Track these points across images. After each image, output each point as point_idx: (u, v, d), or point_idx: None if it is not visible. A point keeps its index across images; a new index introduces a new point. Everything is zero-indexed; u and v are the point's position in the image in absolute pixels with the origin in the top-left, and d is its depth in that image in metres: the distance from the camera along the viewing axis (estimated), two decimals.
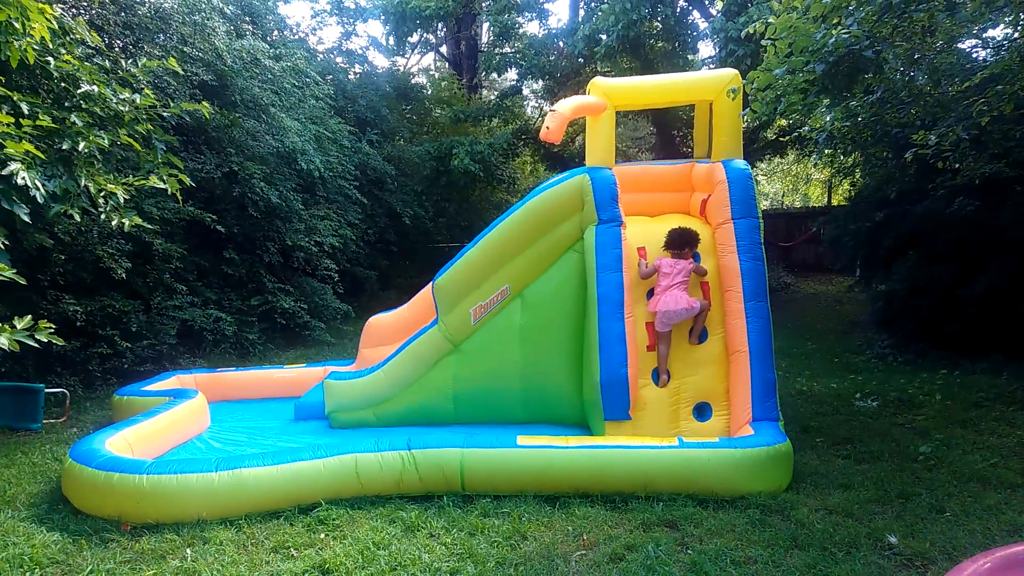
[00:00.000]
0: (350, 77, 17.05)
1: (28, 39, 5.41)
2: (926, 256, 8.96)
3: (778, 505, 4.45)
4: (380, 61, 20.96)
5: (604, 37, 12.82)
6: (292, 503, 4.51)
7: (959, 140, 5.83)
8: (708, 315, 5.70)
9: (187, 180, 6.21)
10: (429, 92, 20.08)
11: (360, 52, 18.88)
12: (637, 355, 5.53)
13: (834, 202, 19.59)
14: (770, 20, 5.12)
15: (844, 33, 4.59)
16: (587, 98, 6.12)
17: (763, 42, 5.31)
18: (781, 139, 15.43)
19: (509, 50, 17.73)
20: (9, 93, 5.42)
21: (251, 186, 10.41)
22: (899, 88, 6.06)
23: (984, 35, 7.11)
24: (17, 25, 5.30)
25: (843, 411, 6.78)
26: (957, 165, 7.01)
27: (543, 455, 4.71)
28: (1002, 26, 6.97)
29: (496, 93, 20.36)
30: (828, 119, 5.81)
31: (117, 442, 4.94)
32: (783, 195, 28.11)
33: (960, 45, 6.75)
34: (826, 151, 9.28)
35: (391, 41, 19.16)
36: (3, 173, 4.87)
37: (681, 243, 5.78)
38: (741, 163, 6.03)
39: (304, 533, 4.21)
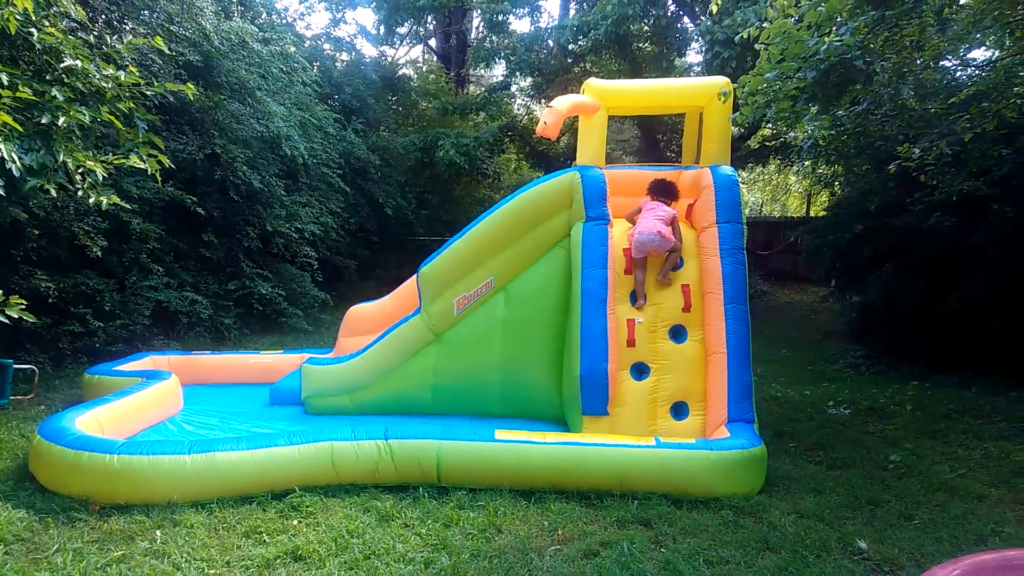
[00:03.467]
0: (337, 65, 16.92)
1: (10, 8, 5.29)
2: (902, 269, 9.09)
3: (751, 507, 4.49)
4: (368, 50, 20.83)
5: (593, 32, 12.85)
6: (265, 489, 4.45)
7: (942, 155, 5.92)
8: (688, 317, 5.72)
9: (167, 161, 6.11)
10: (416, 84, 19.98)
11: (348, 40, 18.75)
12: (618, 351, 5.56)
13: (812, 213, 19.81)
14: (764, 25, 5.16)
15: (836, 41, 4.64)
16: (583, 97, 6.14)
17: (756, 46, 5.36)
18: (767, 144, 15.57)
19: (499, 45, 17.68)
20: None
21: (233, 169, 10.30)
22: (884, 101, 6.15)
23: (967, 55, 7.26)
24: None
25: (816, 418, 6.86)
26: (935, 181, 7.13)
27: (520, 450, 4.69)
28: (984, 47, 7.12)
29: (484, 89, 20.30)
30: (814, 126, 5.87)
31: (87, 421, 4.85)
32: (762, 204, 28.36)
33: (944, 63, 6.87)
34: (808, 160, 9.39)
35: (380, 30, 19.02)
36: None
37: (661, 190, 6.11)
38: (728, 169, 6.06)
39: (277, 519, 4.16)
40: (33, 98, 5.29)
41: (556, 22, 16.64)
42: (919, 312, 8.74)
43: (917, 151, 6.16)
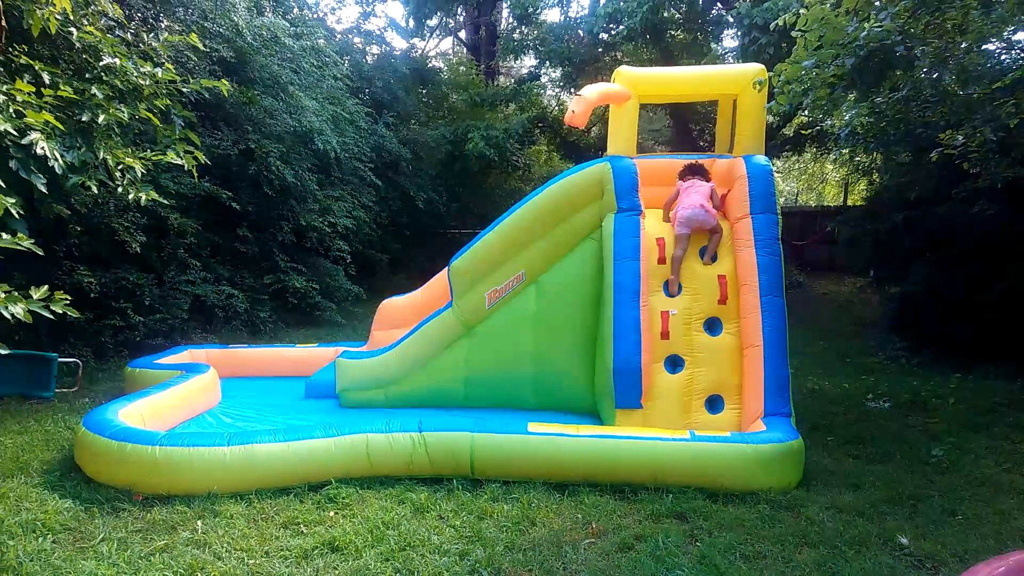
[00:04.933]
0: (368, 58, 17.01)
1: (51, 8, 5.40)
2: (943, 259, 8.87)
3: (788, 502, 4.44)
4: (398, 43, 20.90)
5: (626, 19, 12.71)
6: (302, 480, 4.52)
7: (986, 141, 5.75)
8: (724, 309, 5.65)
9: (202, 157, 6.19)
10: (446, 76, 19.99)
11: (378, 33, 18.82)
12: (651, 343, 5.52)
13: (850, 202, 19.43)
14: (801, 11, 5.05)
15: (876, 27, 4.52)
16: (613, 86, 6.09)
17: (793, 33, 5.25)
18: (803, 132, 15.27)
19: (528, 36, 17.61)
20: (31, 62, 5.42)
21: (267, 164, 10.42)
22: (925, 87, 5.99)
23: (1012, 38, 7.02)
24: None
25: (854, 411, 6.74)
26: (977, 169, 6.94)
27: (554, 442, 4.69)
28: None
29: (513, 80, 20.24)
30: (852, 113, 5.74)
31: (130, 413, 4.96)
32: (798, 194, 27.91)
33: (987, 47, 6.66)
34: (846, 148, 9.21)
35: (410, 23, 19.06)
36: (22, 142, 4.87)
37: (694, 171, 6.13)
38: (762, 159, 5.98)
39: (314, 510, 4.22)
40: (74, 96, 5.40)
41: (587, 11, 16.50)
42: (962, 302, 8.52)
43: (960, 138, 5.98)
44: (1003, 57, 7.01)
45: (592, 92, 5.81)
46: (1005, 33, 6.32)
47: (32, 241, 4.35)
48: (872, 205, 11.18)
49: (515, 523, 4.11)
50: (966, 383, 7.60)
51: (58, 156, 5.07)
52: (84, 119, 5.50)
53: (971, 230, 8.24)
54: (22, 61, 5.45)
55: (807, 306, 13.73)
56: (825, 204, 23.63)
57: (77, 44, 5.94)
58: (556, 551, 3.77)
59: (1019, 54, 6.94)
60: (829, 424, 6.24)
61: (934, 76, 5.58)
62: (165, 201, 6.78)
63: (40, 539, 3.77)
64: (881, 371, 8.60)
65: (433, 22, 21.82)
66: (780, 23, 5.45)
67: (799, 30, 5.16)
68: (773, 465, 4.62)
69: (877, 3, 5.00)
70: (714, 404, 5.51)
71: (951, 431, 6.00)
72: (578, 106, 5.69)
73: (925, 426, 6.22)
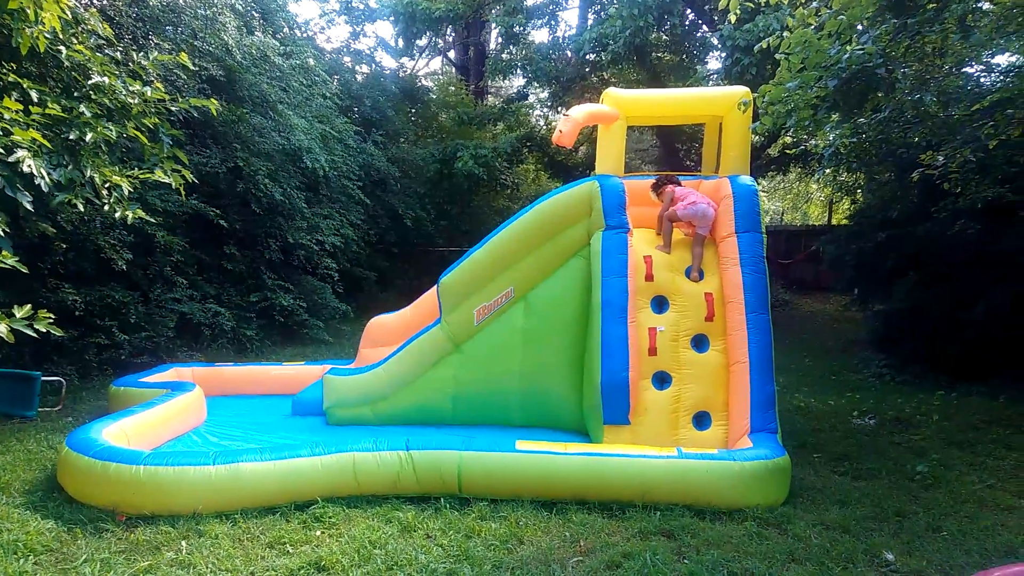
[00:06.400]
0: (357, 77, 17.08)
1: (40, 27, 5.42)
2: (927, 277, 8.98)
3: (775, 519, 4.45)
4: (387, 62, 21.03)
5: (611, 44, 12.86)
6: (288, 499, 4.49)
7: (966, 162, 5.85)
8: (711, 326, 5.69)
9: (190, 176, 6.21)
10: (435, 96, 20.10)
11: (368, 52, 18.93)
12: (639, 360, 5.54)
13: (834, 221, 19.63)
14: (784, 34, 5.14)
15: (858, 50, 4.62)
16: (601, 107, 6.16)
17: (776, 56, 5.34)
18: (787, 152, 15.45)
19: (516, 55, 17.74)
20: (19, 80, 5.42)
21: (255, 182, 10.42)
22: (906, 108, 6.10)
23: (991, 60, 7.18)
24: (29, 12, 5.30)
25: (840, 428, 6.78)
26: (959, 189, 7.06)
27: (542, 461, 4.69)
28: (1008, 53, 7.03)
29: (502, 99, 20.37)
30: (835, 134, 5.83)
31: (114, 432, 4.91)
32: (783, 213, 28.17)
33: (967, 69, 6.80)
34: (829, 168, 9.34)
35: (399, 42, 19.19)
36: (9, 160, 4.87)
37: (660, 184, 6.31)
38: (747, 179, 6.06)
39: (300, 530, 4.19)
40: (62, 115, 5.41)
41: (574, 31, 16.67)
42: (945, 320, 8.62)
43: (941, 158, 6.09)
44: (982, 79, 7.16)
45: (580, 112, 5.89)
46: (984, 56, 6.47)
47: (16, 259, 4.34)
48: (855, 224, 11.30)
49: (503, 541, 4.09)
50: (950, 400, 7.67)
51: (45, 174, 5.06)
52: (72, 137, 5.50)
53: (954, 249, 8.36)
54: (10, 79, 5.45)
55: (793, 324, 13.83)
56: (810, 223, 23.87)
57: (66, 63, 5.96)
58: (544, 569, 3.76)
59: (998, 76, 7.09)
60: (815, 441, 6.28)
61: (915, 98, 5.68)
62: (152, 219, 6.77)
63: (21, 560, 3.71)
64: (866, 388, 8.66)
65: (422, 42, 21.94)
66: (764, 46, 5.55)
67: (782, 53, 5.26)
68: (760, 482, 4.63)
69: (859, 27, 5.11)
70: (701, 420, 5.53)
71: (935, 448, 6.05)
72: (565, 126, 5.76)
73: (910, 443, 6.27)
